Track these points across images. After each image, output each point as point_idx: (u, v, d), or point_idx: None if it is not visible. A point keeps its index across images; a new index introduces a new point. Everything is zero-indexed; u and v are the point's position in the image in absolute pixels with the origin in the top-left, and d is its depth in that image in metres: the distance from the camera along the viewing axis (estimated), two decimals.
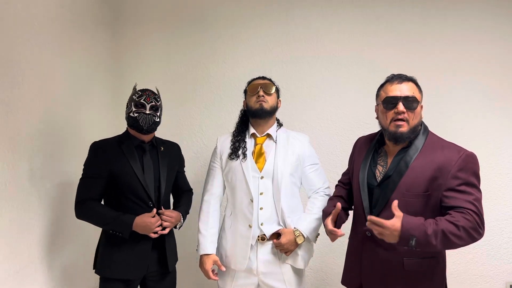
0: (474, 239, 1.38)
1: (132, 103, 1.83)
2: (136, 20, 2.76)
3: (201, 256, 1.87)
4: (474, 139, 2.47)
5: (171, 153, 2.00)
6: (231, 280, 1.87)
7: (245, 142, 1.91)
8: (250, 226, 1.82)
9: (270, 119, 1.91)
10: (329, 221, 1.63)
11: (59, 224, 2.15)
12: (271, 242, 1.83)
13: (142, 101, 1.81)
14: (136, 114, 1.80)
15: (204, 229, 1.89)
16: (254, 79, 1.98)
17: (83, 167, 1.85)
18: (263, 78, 1.96)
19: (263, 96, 1.86)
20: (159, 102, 1.88)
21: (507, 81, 2.45)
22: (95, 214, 1.79)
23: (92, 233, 2.40)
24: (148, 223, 1.76)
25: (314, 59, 2.62)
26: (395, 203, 1.39)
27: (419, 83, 2.39)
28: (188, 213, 2.04)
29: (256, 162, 1.87)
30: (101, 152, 1.82)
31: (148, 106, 1.81)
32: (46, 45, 2.05)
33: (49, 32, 2.07)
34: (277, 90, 1.97)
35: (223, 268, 1.84)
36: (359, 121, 2.54)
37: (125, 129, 1.93)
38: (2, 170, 1.75)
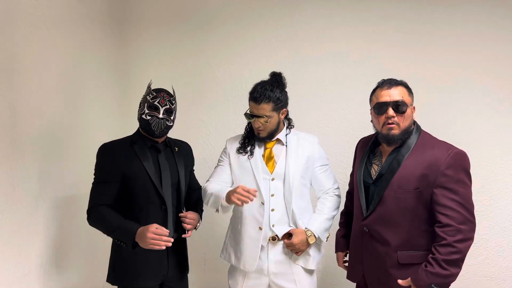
0: (471, 234, 1.50)
1: (146, 104, 1.75)
2: (143, 21, 2.80)
3: (225, 198, 1.77)
4: (483, 139, 2.48)
5: (186, 153, 1.99)
6: (242, 280, 1.91)
7: (253, 141, 1.94)
8: (260, 228, 1.85)
9: (272, 136, 1.92)
10: (340, 262, 1.97)
11: (68, 226, 2.18)
12: (282, 242, 1.87)
13: (156, 103, 1.74)
14: (148, 117, 1.73)
15: (211, 189, 1.86)
16: (252, 97, 1.84)
17: (94, 171, 1.78)
18: (260, 99, 1.80)
19: (259, 126, 1.85)
20: (174, 104, 1.81)
21: None
22: (102, 221, 1.70)
23: (101, 235, 2.42)
24: (145, 237, 1.59)
25: (321, 59, 2.65)
26: (399, 281, 1.56)
27: (428, 83, 2.43)
28: (203, 210, 2.04)
29: (266, 165, 1.89)
30: (112, 155, 1.74)
31: (162, 110, 1.74)
32: (52, 46, 2.08)
33: (55, 33, 2.10)
34: (280, 105, 1.86)
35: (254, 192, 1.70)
36: (366, 122, 2.54)
37: (136, 128, 1.88)
38: (10, 173, 1.78)
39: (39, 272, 1.95)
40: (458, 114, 2.50)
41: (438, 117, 2.47)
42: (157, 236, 1.57)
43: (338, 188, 2.02)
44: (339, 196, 2.00)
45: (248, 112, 1.88)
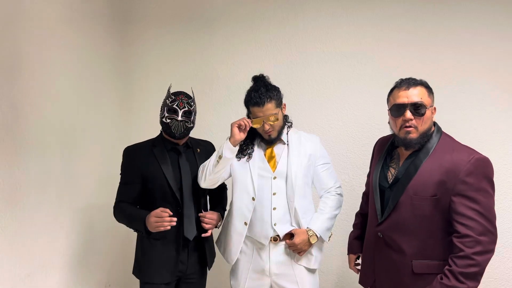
0: (491, 246, 1.43)
1: (165, 108, 1.84)
2: (145, 21, 2.81)
3: (227, 141, 1.83)
4: (488, 139, 2.48)
5: (208, 153, 1.99)
6: (244, 281, 1.90)
7: (253, 144, 1.94)
8: (245, 224, 1.88)
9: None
10: (352, 265, 1.92)
11: (70, 227, 2.18)
12: (283, 242, 1.86)
13: (174, 106, 1.81)
14: (168, 120, 1.82)
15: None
16: (252, 103, 1.82)
17: (120, 172, 1.91)
18: (261, 101, 1.79)
19: (269, 128, 1.83)
20: (193, 106, 1.88)
21: None
22: (123, 214, 1.84)
23: (103, 236, 2.43)
24: (149, 222, 1.72)
25: (324, 59, 2.65)
26: None
27: (432, 82, 2.41)
28: (225, 210, 2.08)
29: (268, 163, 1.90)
30: (132, 157, 1.86)
31: (180, 112, 1.81)
32: (54, 47, 2.09)
33: (57, 33, 2.11)
34: (280, 100, 1.87)
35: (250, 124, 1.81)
36: (369, 122, 2.56)
37: (159, 132, 1.95)
38: (13, 173, 1.78)
39: (42, 272, 1.96)
40: (462, 114, 2.50)
41: (442, 117, 2.44)
42: (159, 219, 1.68)
43: (340, 187, 2.02)
44: (341, 195, 2.00)
45: (253, 120, 1.84)
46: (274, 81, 1.96)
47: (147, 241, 1.85)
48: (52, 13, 2.06)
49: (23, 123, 1.85)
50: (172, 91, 1.90)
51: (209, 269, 2.00)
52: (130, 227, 1.85)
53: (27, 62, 1.89)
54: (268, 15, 2.70)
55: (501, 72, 2.46)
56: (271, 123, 1.82)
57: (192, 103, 1.88)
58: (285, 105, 1.95)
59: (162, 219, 1.68)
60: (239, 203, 1.90)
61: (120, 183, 1.89)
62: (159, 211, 1.69)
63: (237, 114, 2.71)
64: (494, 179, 2.39)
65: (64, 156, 2.15)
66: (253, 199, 1.86)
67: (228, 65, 2.74)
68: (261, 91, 1.81)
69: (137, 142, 1.97)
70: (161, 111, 1.88)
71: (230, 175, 1.95)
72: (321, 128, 2.65)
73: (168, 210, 1.69)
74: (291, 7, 2.67)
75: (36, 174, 1.93)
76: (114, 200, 1.90)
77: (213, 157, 1.86)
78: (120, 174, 1.90)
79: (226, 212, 2.08)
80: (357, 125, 2.62)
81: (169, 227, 1.69)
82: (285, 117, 1.99)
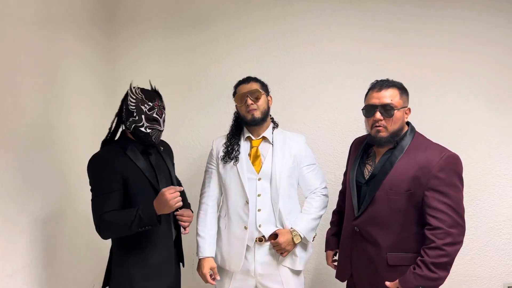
0: (460, 238, 1.50)
1: (143, 116, 1.69)
2: (132, 20, 2.76)
3: (200, 259, 1.88)
4: (473, 140, 2.52)
5: (169, 152, 1.98)
6: (228, 282, 1.90)
7: (239, 145, 1.93)
8: (245, 228, 1.85)
9: (264, 122, 1.92)
10: (329, 261, 1.95)
11: (54, 226, 2.13)
12: (268, 243, 1.86)
13: (154, 115, 1.70)
14: (149, 130, 1.69)
15: (203, 232, 1.91)
16: (239, 84, 1.95)
17: (91, 185, 1.66)
18: (248, 80, 1.92)
19: (252, 104, 1.85)
20: (165, 109, 1.79)
21: (505, 82, 2.49)
22: (115, 225, 1.60)
23: (87, 235, 2.38)
24: (165, 203, 1.57)
25: (312, 59, 2.65)
26: (387, 283, 1.57)
27: (419, 83, 2.42)
28: (190, 204, 2.05)
29: (252, 164, 1.87)
30: (108, 163, 1.65)
31: (161, 121, 1.72)
32: (40, 46, 2.03)
33: (42, 32, 2.05)
34: (265, 88, 1.95)
35: (218, 277, 1.89)
36: (357, 122, 2.56)
37: (120, 134, 1.82)
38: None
39: (24, 273, 1.91)
40: (447, 114, 2.54)
41: (428, 117, 2.49)
42: (176, 194, 1.58)
43: (326, 187, 2.01)
44: (326, 195, 1.99)
45: (236, 97, 1.90)
46: (262, 80, 1.99)
47: (131, 251, 1.68)
48: (34, 9, 2.00)
49: (7, 122, 1.78)
50: (138, 90, 1.72)
51: (183, 266, 1.94)
52: (129, 230, 1.60)
53: (11, 60, 1.82)
54: (257, 14, 2.68)
55: (486, 74, 2.50)
56: (253, 100, 1.83)
57: (164, 105, 1.79)
58: (271, 97, 1.98)
59: (177, 193, 1.57)
60: (237, 208, 1.87)
61: (96, 195, 1.64)
62: (166, 189, 1.56)
63: (225, 113, 2.68)
64: (478, 180, 2.45)
65: (47, 156, 2.06)
66: (247, 202, 1.84)
67: (215, 64, 2.71)
68: (248, 77, 1.94)
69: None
70: (132, 115, 1.70)
71: (221, 187, 1.96)
72: (309, 128, 2.65)
73: (173, 187, 1.60)
74: (279, 6, 2.66)
75: (19, 173, 1.86)
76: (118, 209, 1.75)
77: (198, 240, 1.89)
78: (93, 187, 1.66)
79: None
80: (344, 125, 2.62)
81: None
82: (272, 119, 2.01)
